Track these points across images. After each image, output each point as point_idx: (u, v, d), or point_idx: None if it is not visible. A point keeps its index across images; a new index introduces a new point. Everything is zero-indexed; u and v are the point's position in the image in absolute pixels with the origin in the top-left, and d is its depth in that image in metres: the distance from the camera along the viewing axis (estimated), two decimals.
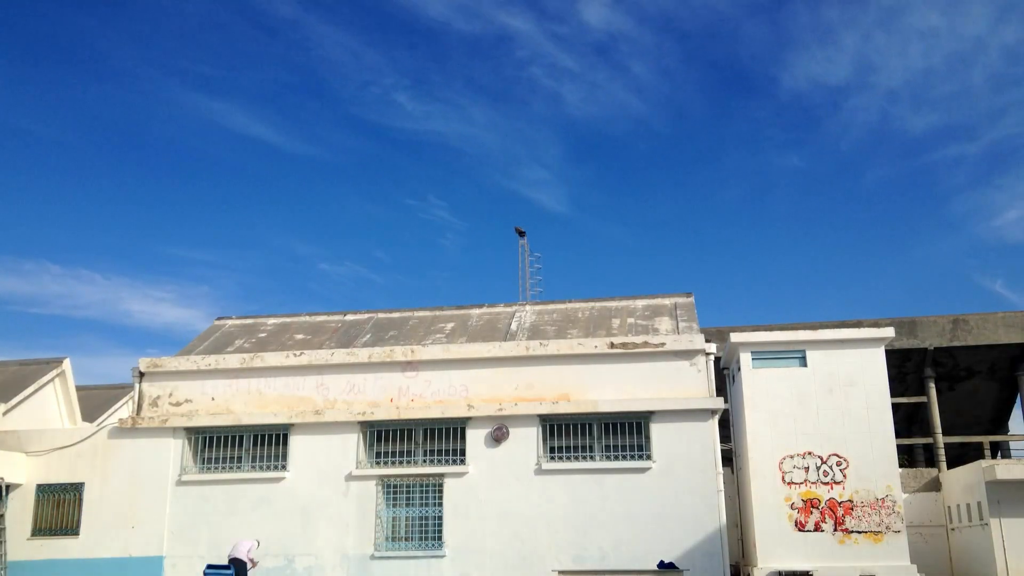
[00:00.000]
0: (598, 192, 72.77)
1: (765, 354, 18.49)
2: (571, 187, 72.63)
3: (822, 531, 17.20)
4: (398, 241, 73.88)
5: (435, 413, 17.27)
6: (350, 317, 21.81)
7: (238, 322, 22.23)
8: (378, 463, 17.42)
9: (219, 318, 22.59)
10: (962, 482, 20.22)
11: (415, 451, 17.42)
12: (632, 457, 16.70)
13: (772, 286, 71.02)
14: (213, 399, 18.18)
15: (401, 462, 17.36)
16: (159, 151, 68.27)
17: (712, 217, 71.58)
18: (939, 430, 25.97)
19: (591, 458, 16.85)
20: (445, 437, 17.34)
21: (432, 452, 17.37)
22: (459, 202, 73.85)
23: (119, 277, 67.92)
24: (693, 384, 16.90)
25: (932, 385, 26.38)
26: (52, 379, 22.15)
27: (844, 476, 17.44)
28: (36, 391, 21.51)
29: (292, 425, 17.62)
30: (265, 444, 17.77)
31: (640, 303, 20.55)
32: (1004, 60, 62.47)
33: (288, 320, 22.03)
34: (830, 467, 17.57)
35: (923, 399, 26.51)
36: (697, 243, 72.22)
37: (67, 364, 22.51)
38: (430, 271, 72.15)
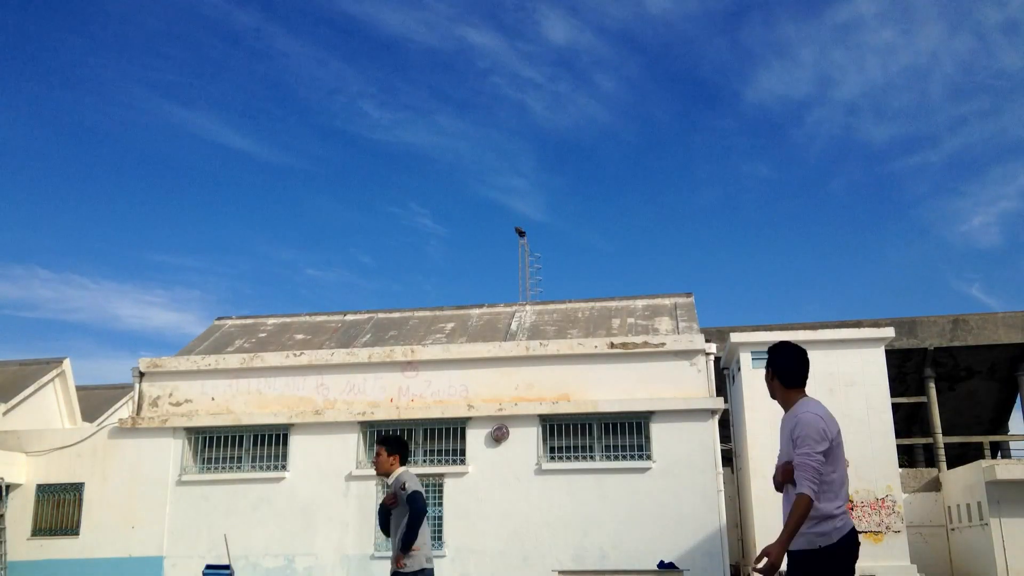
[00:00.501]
0: (575, 199, 73.96)
1: (765, 354, 18.48)
2: (548, 195, 73.91)
3: None
4: (383, 247, 74.90)
5: (435, 413, 17.27)
6: (350, 317, 21.81)
7: (238, 322, 22.23)
8: None
9: (219, 318, 22.59)
10: (962, 482, 20.22)
11: (415, 451, 17.41)
12: (632, 457, 16.70)
13: (769, 287, 71.63)
14: (213, 399, 18.19)
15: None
16: (134, 159, 68.87)
17: (688, 223, 72.68)
18: (939, 430, 25.98)
19: (591, 458, 16.85)
20: (445, 437, 17.35)
21: (432, 452, 17.37)
22: (440, 210, 75.06)
23: (109, 282, 68.36)
24: (693, 384, 16.90)
25: (932, 385, 26.39)
26: (52, 379, 22.15)
27: None
28: (36, 391, 21.51)
29: (292, 425, 17.62)
30: (265, 444, 17.77)
31: (640, 303, 20.56)
32: (960, 71, 65.06)
33: (288, 320, 22.04)
34: None
35: (923, 399, 26.51)
36: (694, 243, 72.95)
37: (67, 364, 22.52)
38: (416, 276, 73.10)
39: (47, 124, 64.35)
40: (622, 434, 16.88)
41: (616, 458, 16.76)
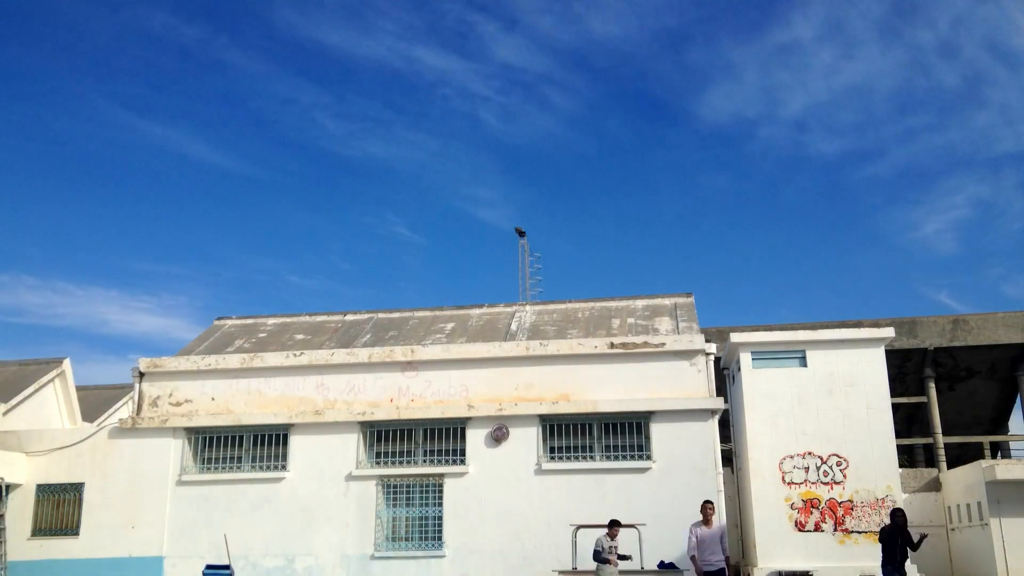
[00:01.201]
0: (542, 210, 75.74)
1: (765, 354, 18.50)
2: (517, 205, 75.59)
3: (822, 531, 17.21)
4: (363, 255, 76.00)
5: (435, 413, 17.27)
6: (350, 317, 21.81)
7: (238, 322, 22.23)
8: (378, 463, 17.43)
9: (219, 318, 22.58)
10: (962, 482, 20.22)
11: (415, 451, 17.42)
12: (632, 457, 16.70)
13: (770, 287, 72.19)
14: (213, 399, 18.19)
15: (401, 462, 17.37)
16: (102, 170, 69.63)
17: (686, 222, 73.61)
18: (939, 430, 25.97)
19: (591, 458, 16.85)
20: (445, 437, 17.35)
21: (432, 452, 17.37)
22: (416, 219, 76.79)
23: (95, 288, 68.83)
24: (693, 384, 16.90)
25: (932, 385, 26.38)
26: (52, 379, 22.15)
27: (844, 476, 17.45)
28: (36, 391, 21.51)
29: (292, 425, 17.62)
30: (265, 444, 17.77)
31: (640, 303, 20.56)
32: (900, 90, 68.26)
33: (288, 320, 22.03)
34: (830, 467, 17.57)
35: (923, 399, 26.51)
36: (693, 243, 73.67)
37: (67, 364, 22.52)
38: (399, 283, 74.19)
39: (14, 133, 64.70)
40: (622, 434, 16.88)
41: (616, 458, 16.76)
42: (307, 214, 74.66)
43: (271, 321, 22.13)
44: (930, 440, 26.22)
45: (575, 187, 73.29)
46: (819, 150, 72.00)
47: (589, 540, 15.97)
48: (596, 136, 75.01)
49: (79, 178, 68.81)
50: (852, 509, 17.23)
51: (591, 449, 16.95)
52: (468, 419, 17.22)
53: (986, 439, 27.88)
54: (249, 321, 22.23)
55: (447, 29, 71.09)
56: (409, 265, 76.55)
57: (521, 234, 30.58)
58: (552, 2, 70.44)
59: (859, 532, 17.07)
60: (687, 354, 17.06)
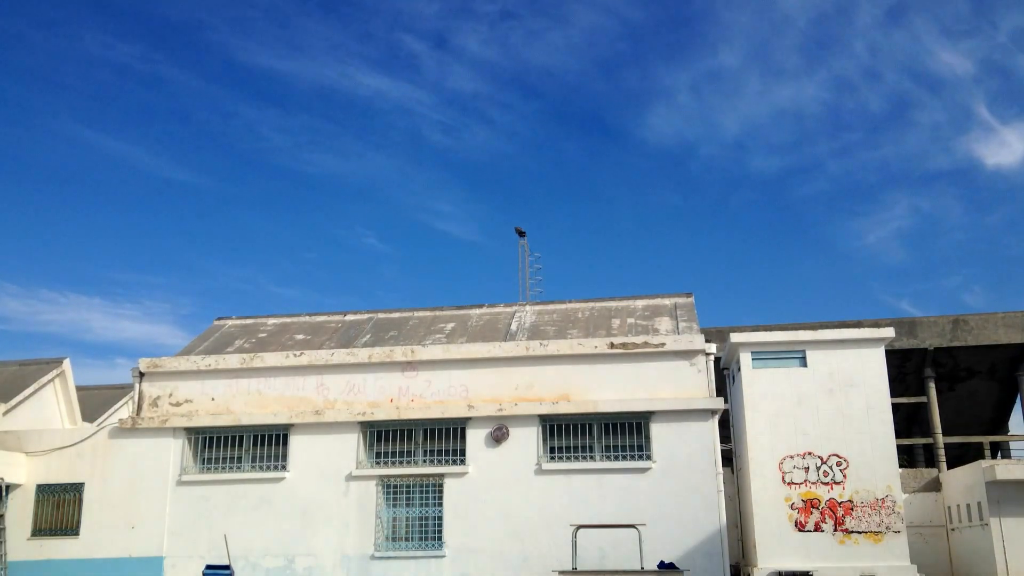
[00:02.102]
0: (502, 223, 77.01)
1: (765, 354, 18.49)
2: (478, 220, 77.35)
3: (822, 531, 17.20)
4: (338, 265, 77.28)
5: (435, 413, 17.27)
6: (350, 317, 21.81)
7: (238, 322, 22.23)
8: (378, 463, 17.43)
9: (219, 318, 22.58)
10: (962, 482, 20.22)
11: (415, 451, 17.42)
12: (632, 457, 16.70)
13: (770, 287, 72.90)
14: (213, 399, 18.18)
15: (401, 462, 17.36)
16: (59, 182, 69.59)
17: (686, 224, 74.71)
18: (939, 430, 25.97)
19: (591, 458, 16.85)
20: (445, 437, 17.35)
21: (432, 452, 17.37)
22: (384, 232, 78.15)
23: (78, 296, 69.21)
24: (693, 384, 16.90)
25: (932, 385, 26.38)
26: (52, 379, 22.13)
27: (844, 476, 17.44)
28: (36, 391, 21.49)
29: (292, 425, 17.62)
30: (265, 444, 17.77)
31: (640, 303, 20.56)
32: (831, 110, 70.97)
33: (288, 320, 22.03)
34: (830, 467, 17.56)
35: (923, 399, 26.51)
36: (692, 244, 74.60)
37: (67, 364, 22.50)
38: (376, 292, 75.32)
39: None
40: (622, 434, 16.88)
41: (616, 458, 16.76)
42: (276, 226, 75.43)
43: (271, 321, 22.12)
44: (930, 440, 26.22)
45: (530, 201, 74.62)
46: (760, 167, 75.19)
47: (589, 540, 16.02)
48: (544, 154, 77.32)
49: (42, 188, 69.13)
50: (852, 509, 17.22)
51: (591, 449, 16.95)
52: (468, 419, 17.22)
53: (986, 439, 27.89)
54: (249, 321, 22.23)
55: (380, 50, 72.45)
56: (385, 274, 77.61)
57: (521, 234, 30.57)
58: (488, 35, 72.81)
59: (859, 532, 17.05)
60: (687, 354, 17.06)
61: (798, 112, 73.08)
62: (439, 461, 17.23)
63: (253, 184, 75.07)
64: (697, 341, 17.13)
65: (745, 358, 18.48)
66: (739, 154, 74.61)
